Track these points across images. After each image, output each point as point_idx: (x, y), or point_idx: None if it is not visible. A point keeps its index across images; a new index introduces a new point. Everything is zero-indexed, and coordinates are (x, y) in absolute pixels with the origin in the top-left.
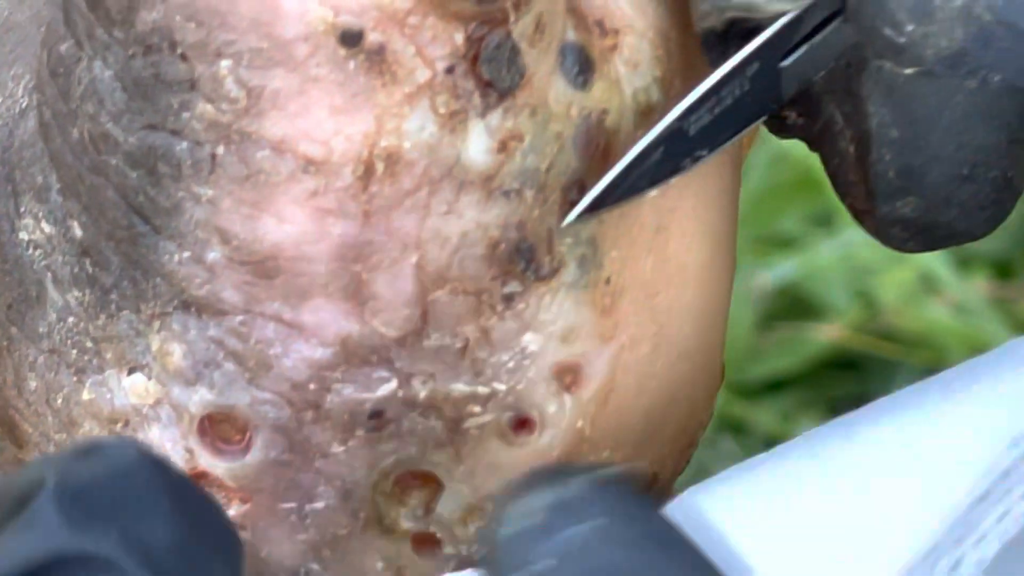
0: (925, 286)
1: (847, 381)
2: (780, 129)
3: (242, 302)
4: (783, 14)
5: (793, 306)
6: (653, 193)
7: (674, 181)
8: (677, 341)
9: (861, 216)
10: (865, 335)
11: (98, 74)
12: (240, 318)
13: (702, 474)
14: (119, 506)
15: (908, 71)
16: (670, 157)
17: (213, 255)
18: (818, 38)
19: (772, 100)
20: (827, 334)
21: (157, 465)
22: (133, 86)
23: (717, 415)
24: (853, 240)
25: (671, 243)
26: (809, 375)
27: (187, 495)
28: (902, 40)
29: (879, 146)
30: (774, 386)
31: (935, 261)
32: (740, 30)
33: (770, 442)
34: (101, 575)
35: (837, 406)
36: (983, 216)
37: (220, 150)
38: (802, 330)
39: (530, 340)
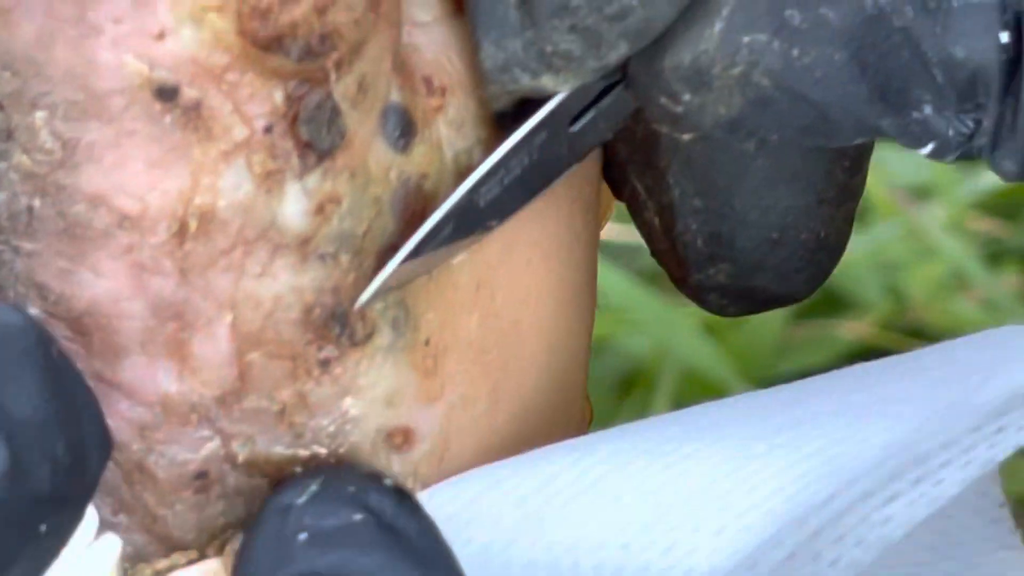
0: (955, 281)
1: None
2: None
3: None
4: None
5: (823, 301)
6: (455, 259)
7: (498, 238)
8: (520, 396)
9: (677, 282)
10: (894, 331)
11: None
12: None
13: None
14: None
15: (686, 137)
16: (461, 230)
17: (33, 311)
18: (604, 103)
19: (563, 165)
20: (856, 330)
21: (41, 339)
22: None
23: None
24: (883, 236)
25: (498, 299)
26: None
27: (64, 374)
28: (679, 109)
29: (684, 216)
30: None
31: (965, 256)
32: (532, 107)
33: None
34: None
35: None
36: (801, 278)
37: (37, 202)
38: (832, 326)
39: (351, 404)
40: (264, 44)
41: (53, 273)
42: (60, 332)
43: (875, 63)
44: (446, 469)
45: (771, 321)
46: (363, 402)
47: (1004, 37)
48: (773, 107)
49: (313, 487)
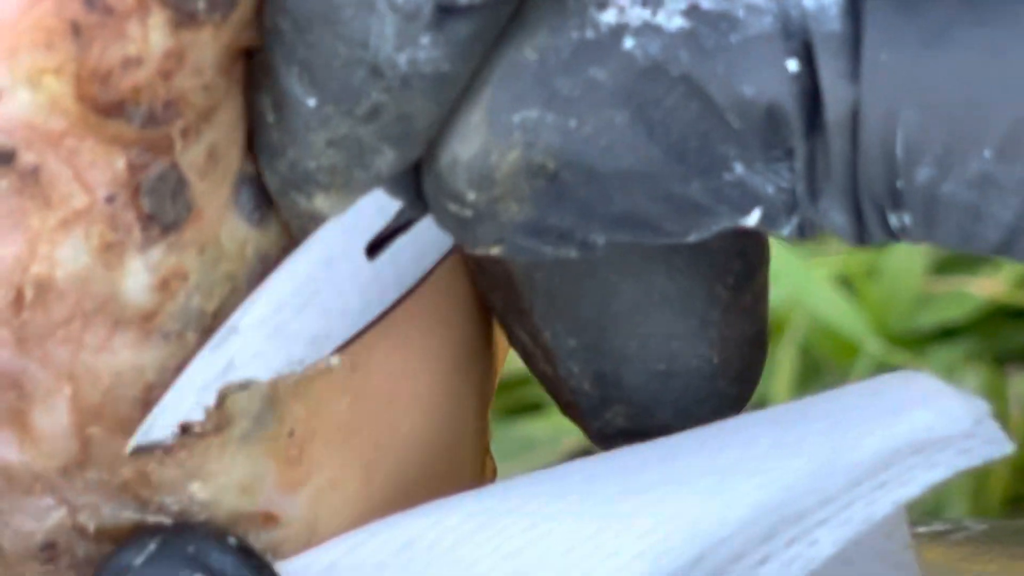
0: None
1: (1016, 332)
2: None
3: None
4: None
5: (964, 255)
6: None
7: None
8: (398, 471)
9: (587, 433)
10: None
11: None
12: None
13: None
14: None
15: (495, 251)
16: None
17: None
18: (416, 230)
19: (373, 304)
20: (989, 288)
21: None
22: None
23: (877, 365)
24: None
25: (373, 380)
26: (977, 326)
27: None
28: (468, 213)
29: (563, 360)
30: (940, 336)
31: None
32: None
33: None
34: None
35: (1004, 358)
36: (704, 410)
37: None
38: (968, 283)
39: (198, 489)
40: (104, 110)
41: None
42: None
43: (662, 120)
44: (315, 547)
45: (908, 275)
46: (212, 487)
47: (793, 66)
48: (568, 193)
49: (151, 547)
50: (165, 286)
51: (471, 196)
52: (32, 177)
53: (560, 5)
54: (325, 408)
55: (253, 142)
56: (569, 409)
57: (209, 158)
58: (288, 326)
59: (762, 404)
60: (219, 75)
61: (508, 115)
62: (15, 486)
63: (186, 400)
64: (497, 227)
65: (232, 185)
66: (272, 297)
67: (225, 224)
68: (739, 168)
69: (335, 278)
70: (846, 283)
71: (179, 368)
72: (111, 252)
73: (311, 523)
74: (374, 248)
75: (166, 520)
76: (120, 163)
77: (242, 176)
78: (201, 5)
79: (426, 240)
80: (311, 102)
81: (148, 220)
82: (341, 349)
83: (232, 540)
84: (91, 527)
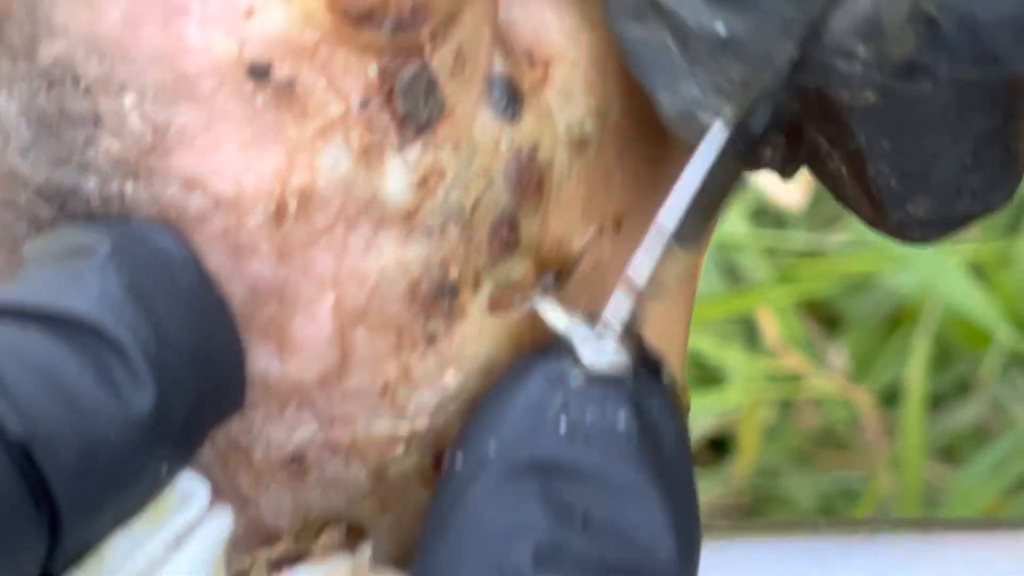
0: None
1: None
2: (758, 166)
3: None
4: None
5: None
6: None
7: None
8: None
9: (874, 223)
10: None
11: (3, 107)
12: None
13: (1001, 413)
14: (155, 299)
15: (870, 96)
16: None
17: None
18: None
19: (743, 170)
20: None
21: (202, 275)
22: (38, 121)
23: (1009, 354)
24: None
25: (608, 281)
26: None
27: (219, 314)
28: (857, 68)
29: (874, 161)
30: None
31: None
32: None
33: None
34: (109, 349)
35: None
36: (998, 195)
37: (129, 187)
38: None
39: (452, 376)
40: (355, 19)
41: None
42: None
43: None
44: None
45: None
46: (462, 373)
47: None
48: (943, 37)
49: (587, 371)
50: (424, 183)
51: (861, 51)
52: (288, 89)
53: None
54: (568, 303)
55: (643, 76)
56: (856, 202)
57: (457, 58)
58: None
59: (895, 389)
60: None
61: None
62: (271, 398)
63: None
64: (878, 74)
65: (482, 84)
66: (683, 197)
67: (478, 120)
68: None
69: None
70: (979, 271)
71: (443, 261)
72: (370, 154)
73: None
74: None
75: (420, 425)
76: (372, 69)
77: (493, 75)
78: None
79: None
80: (720, 27)
81: (403, 121)
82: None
83: (664, 379)
84: (343, 441)
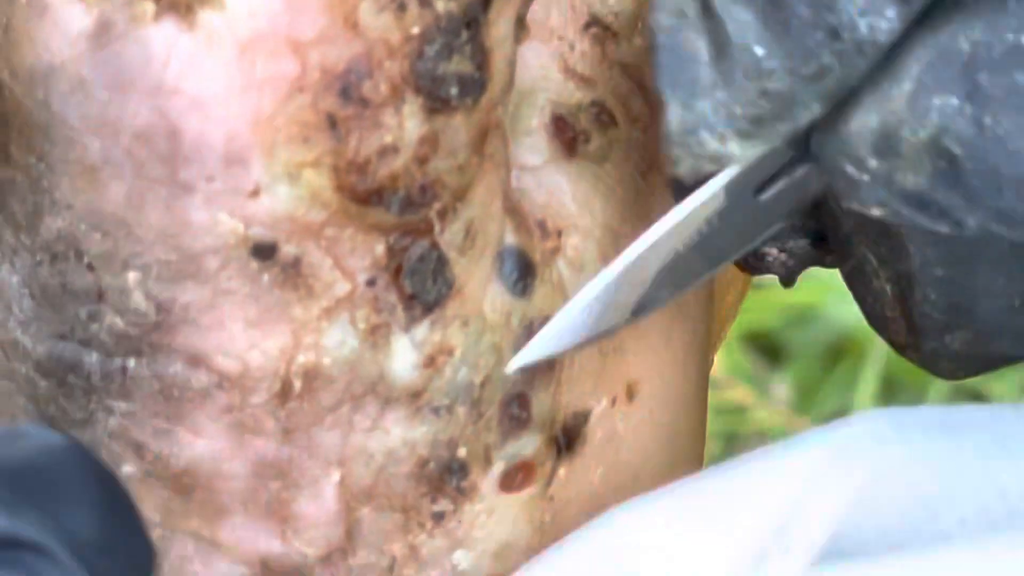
0: None
1: None
2: (757, 268)
3: (160, 517)
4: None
5: None
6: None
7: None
8: None
9: (904, 349)
10: None
11: (6, 278)
12: (158, 532)
13: None
14: (49, 492)
15: (876, 212)
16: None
17: (128, 469)
18: (796, 174)
19: (747, 237)
20: None
21: (85, 455)
22: (40, 294)
23: (955, 387)
24: None
25: (622, 454)
26: None
27: (112, 488)
28: (865, 178)
29: (923, 286)
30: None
31: None
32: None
33: None
34: (33, 557)
35: None
36: None
37: (131, 363)
38: None
39: (461, 557)
40: (363, 199)
41: (149, 433)
42: (158, 491)
43: None
44: None
45: None
46: (473, 554)
47: None
48: (963, 181)
49: None
50: (432, 362)
51: (872, 163)
52: (293, 269)
53: (1001, 3)
54: (582, 476)
55: (662, 80)
56: (891, 324)
57: (467, 235)
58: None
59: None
60: (472, 154)
61: (929, 97)
62: None
63: (576, 317)
64: (886, 194)
65: (492, 258)
66: (670, 233)
67: (488, 297)
68: None
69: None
70: None
71: (451, 441)
72: (377, 334)
73: None
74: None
75: None
76: (380, 248)
77: (504, 248)
78: (454, 91)
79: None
80: (759, 51)
81: (410, 300)
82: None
83: None
84: None
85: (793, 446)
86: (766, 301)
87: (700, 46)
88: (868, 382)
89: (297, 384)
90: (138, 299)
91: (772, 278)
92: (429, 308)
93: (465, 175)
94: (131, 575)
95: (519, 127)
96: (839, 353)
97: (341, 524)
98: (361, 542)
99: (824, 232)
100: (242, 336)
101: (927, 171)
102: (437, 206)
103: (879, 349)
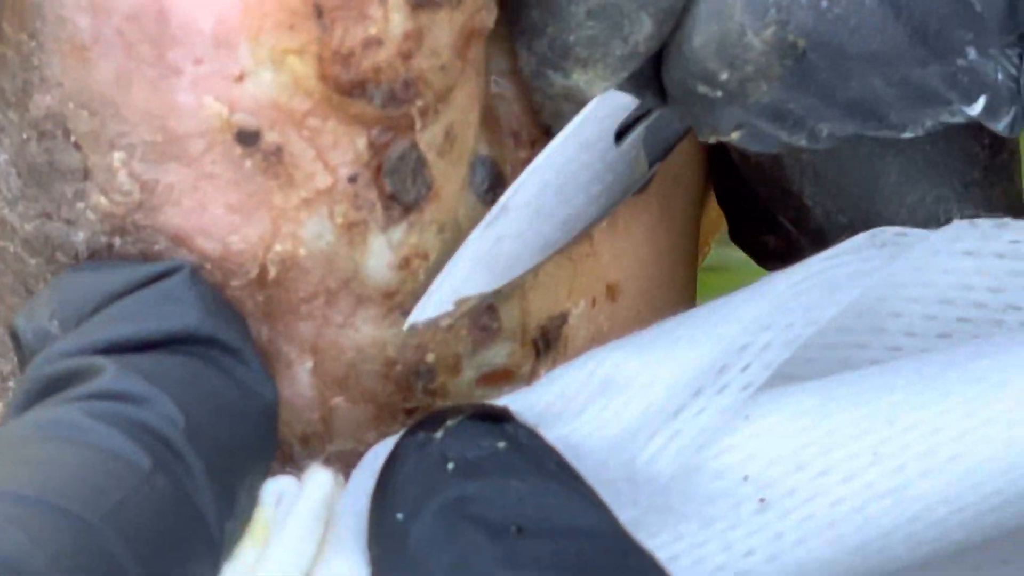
0: None
1: None
2: (763, 256)
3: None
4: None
5: None
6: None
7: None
8: None
9: None
10: None
11: None
12: None
13: None
14: (230, 308)
15: (735, 136)
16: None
17: None
18: (650, 119)
19: (616, 187)
20: None
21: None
22: (28, 172)
23: None
24: None
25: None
26: None
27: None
28: (718, 94)
29: (833, 237)
30: None
31: None
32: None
33: None
34: (228, 356)
35: None
36: None
37: (117, 241)
38: None
39: None
40: (346, 89)
41: None
42: None
43: (908, 2)
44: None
45: None
46: None
47: None
48: (812, 75)
49: (449, 423)
50: (406, 264)
51: (723, 75)
52: (276, 157)
53: None
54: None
55: (510, 30)
56: None
57: (447, 138)
58: (547, 207)
59: None
60: (455, 56)
61: None
62: None
63: (460, 274)
64: (742, 110)
65: (467, 165)
66: (537, 178)
67: (461, 203)
68: (972, 53)
69: (589, 161)
70: None
71: (420, 345)
72: (354, 231)
73: None
74: (619, 136)
75: None
76: (361, 142)
77: (477, 157)
78: None
79: (663, 130)
80: None
81: (390, 199)
82: (582, 234)
83: (518, 416)
84: None
85: (759, 284)
86: (727, 283)
87: None
88: None
89: (273, 271)
90: (123, 178)
91: (735, 262)
92: (407, 209)
93: (448, 76)
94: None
95: (499, 34)
96: None
97: (316, 410)
98: (337, 430)
99: None
100: (223, 220)
101: (777, 74)
102: (419, 103)
103: None
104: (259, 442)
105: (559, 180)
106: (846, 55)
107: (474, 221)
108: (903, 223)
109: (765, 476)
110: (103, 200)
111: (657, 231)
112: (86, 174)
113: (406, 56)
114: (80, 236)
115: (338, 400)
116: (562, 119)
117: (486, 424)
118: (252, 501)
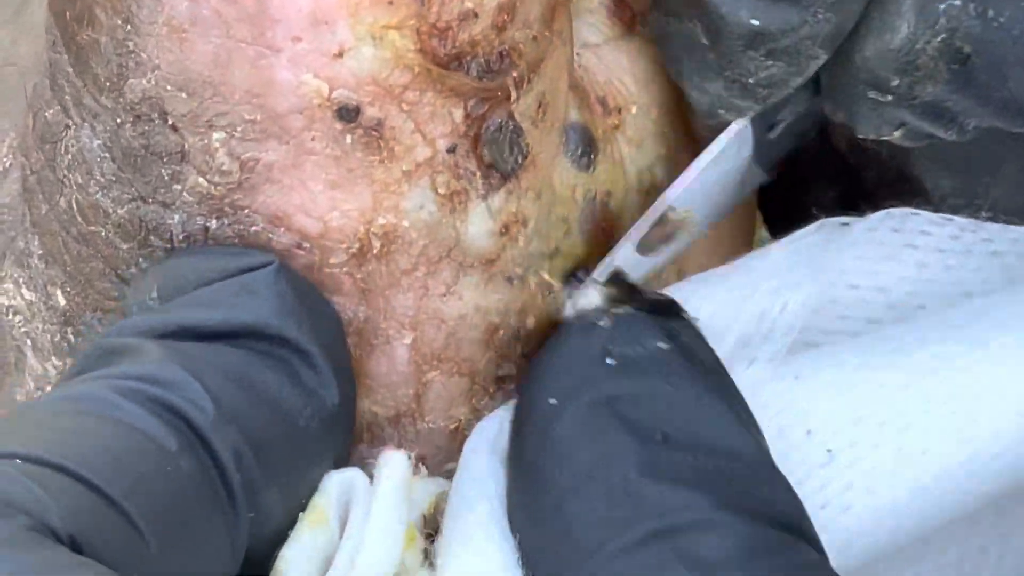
0: None
1: None
2: None
3: None
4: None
5: None
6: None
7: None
8: None
9: None
10: None
11: (86, 143)
12: None
13: None
14: (315, 311)
15: (896, 135)
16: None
17: None
18: (794, 104)
19: (758, 175)
20: None
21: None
22: (123, 156)
23: None
24: None
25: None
26: None
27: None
28: (888, 99)
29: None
30: None
31: None
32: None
33: None
34: (296, 356)
35: None
36: None
37: (213, 223)
38: None
39: None
40: (444, 62)
41: None
42: None
43: None
44: None
45: None
46: None
47: None
48: (974, 78)
49: (616, 311)
50: (506, 231)
51: (894, 82)
52: (376, 131)
53: None
54: None
55: (675, 68)
56: None
57: (539, 107)
58: (698, 203)
59: None
60: (544, 28)
61: (935, 4)
62: None
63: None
64: (906, 111)
65: (560, 132)
66: (700, 177)
67: (556, 169)
68: None
69: (730, 168)
70: None
71: (522, 310)
72: (455, 200)
73: None
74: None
75: None
76: (459, 114)
77: (569, 124)
78: None
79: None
80: (755, 23)
81: (488, 168)
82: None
83: (686, 313)
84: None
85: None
86: None
87: (697, 31)
88: None
89: (376, 245)
90: (222, 158)
91: None
92: (506, 177)
93: (539, 46)
94: (347, 388)
95: (581, 6)
96: None
97: (411, 386)
98: (428, 406)
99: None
100: (323, 196)
101: (943, 77)
102: (514, 74)
103: None
104: (311, 441)
105: (706, 184)
106: (1007, 60)
107: (569, 186)
108: (1016, 213)
109: (827, 429)
110: (201, 181)
111: (721, 238)
112: (184, 156)
113: (500, 28)
114: (176, 219)
115: (433, 375)
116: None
117: (651, 319)
118: (307, 491)
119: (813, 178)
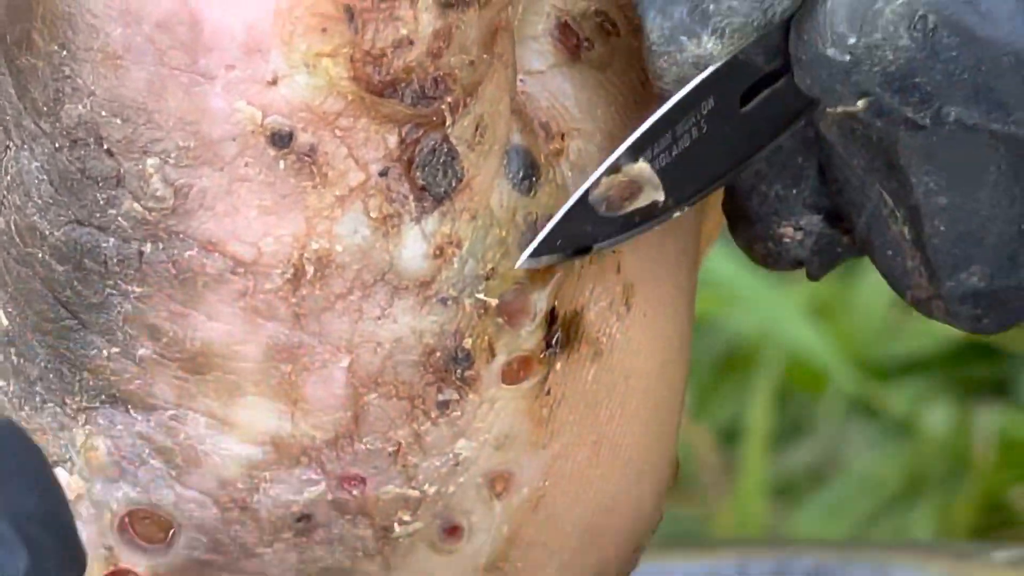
0: None
1: (983, 366)
2: (776, 256)
3: (174, 396)
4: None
5: None
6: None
7: (619, 290)
8: (619, 449)
9: (928, 304)
10: None
11: (25, 165)
12: (171, 412)
13: (837, 455)
14: (5, 474)
15: (860, 104)
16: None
17: (143, 351)
18: (777, 86)
19: (739, 154)
20: None
21: (19, 431)
22: (59, 179)
23: (849, 398)
24: None
25: (615, 354)
26: (945, 359)
27: (46, 464)
28: (846, 58)
29: (930, 218)
30: (909, 368)
31: None
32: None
33: (901, 426)
34: None
35: (971, 391)
36: None
37: (148, 248)
38: None
39: (463, 447)
40: (378, 90)
41: (164, 316)
42: (172, 371)
43: None
44: (541, 518)
45: (877, 305)
46: (475, 444)
47: None
48: (940, 52)
49: None
50: (441, 253)
51: (851, 39)
52: (309, 157)
53: None
54: (576, 373)
55: None
56: (910, 276)
57: (477, 130)
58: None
59: (736, 430)
60: (483, 51)
61: None
62: (282, 457)
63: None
64: (868, 76)
65: (500, 155)
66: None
67: (495, 192)
68: None
69: (714, 125)
70: (818, 313)
71: (458, 332)
72: (388, 223)
73: (540, 488)
74: (744, 100)
75: (429, 490)
76: (392, 139)
77: (511, 147)
78: None
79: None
80: None
81: (421, 191)
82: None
83: None
84: (352, 502)
85: None
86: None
87: None
88: (762, 393)
89: (309, 270)
90: (156, 184)
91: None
92: (439, 200)
93: (476, 71)
94: (66, 549)
95: (525, 32)
96: (733, 362)
97: (349, 409)
98: (367, 428)
99: (837, 210)
100: (257, 222)
101: (905, 43)
102: (449, 99)
103: (773, 359)
104: None
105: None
106: (976, 38)
107: (509, 208)
108: (1000, 217)
109: None
110: (136, 206)
111: (665, 237)
112: (119, 181)
113: (436, 55)
114: (111, 242)
115: (371, 397)
116: (685, 85)
117: None
118: None
119: (789, 182)
